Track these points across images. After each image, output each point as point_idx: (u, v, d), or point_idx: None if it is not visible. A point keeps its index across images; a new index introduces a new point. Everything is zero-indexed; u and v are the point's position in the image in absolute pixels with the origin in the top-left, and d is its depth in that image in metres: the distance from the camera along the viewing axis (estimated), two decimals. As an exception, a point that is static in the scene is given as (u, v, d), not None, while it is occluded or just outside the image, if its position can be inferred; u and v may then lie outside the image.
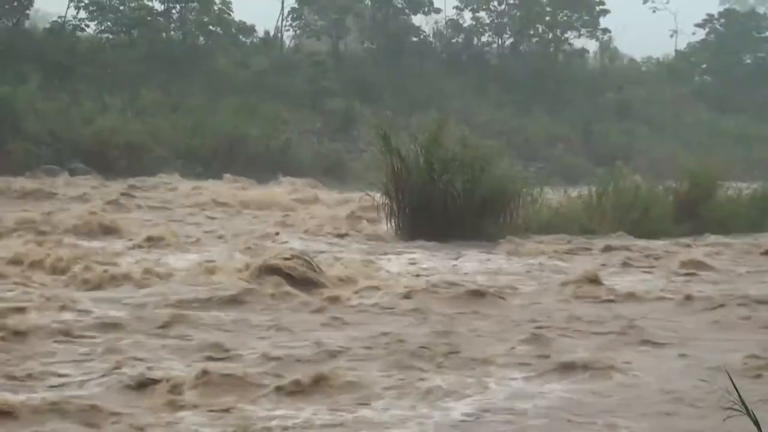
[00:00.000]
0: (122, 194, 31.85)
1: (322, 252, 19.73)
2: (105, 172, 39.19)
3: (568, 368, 10.52)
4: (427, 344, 11.77)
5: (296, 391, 9.60)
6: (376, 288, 16.10)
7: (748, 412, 3.39)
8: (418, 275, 17.57)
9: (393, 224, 24.18)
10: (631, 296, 15.35)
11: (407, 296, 15.27)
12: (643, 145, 56.47)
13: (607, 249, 21.95)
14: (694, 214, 25.91)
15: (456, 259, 19.97)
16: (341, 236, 23.98)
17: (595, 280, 16.25)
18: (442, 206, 23.48)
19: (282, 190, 35.90)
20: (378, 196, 25.55)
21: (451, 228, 22.91)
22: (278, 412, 8.93)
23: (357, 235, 24.22)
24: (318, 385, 9.73)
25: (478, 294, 15.46)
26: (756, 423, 3.35)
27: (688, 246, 22.63)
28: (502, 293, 15.71)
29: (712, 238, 24.18)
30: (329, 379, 9.86)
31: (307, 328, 12.92)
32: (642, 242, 22.98)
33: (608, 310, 14.27)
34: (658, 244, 22.71)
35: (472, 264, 19.38)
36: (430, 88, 59.68)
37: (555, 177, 36.59)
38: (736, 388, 3.63)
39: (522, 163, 32.29)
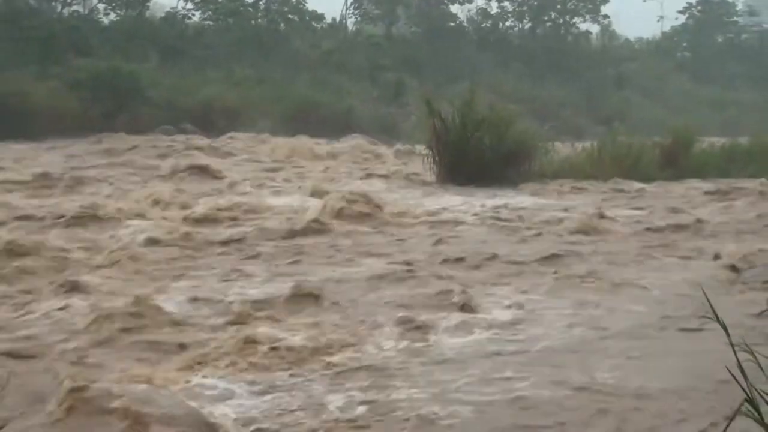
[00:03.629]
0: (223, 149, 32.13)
1: (379, 193, 19.82)
2: (208, 130, 39.37)
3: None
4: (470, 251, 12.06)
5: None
6: (421, 218, 16.33)
7: (718, 319, 3.25)
8: (457, 210, 17.77)
9: (434, 172, 24.22)
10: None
11: (454, 224, 15.49)
12: (636, 109, 55.92)
13: (604, 189, 22.22)
14: (676, 163, 25.88)
15: (487, 198, 20.05)
16: (394, 181, 24.09)
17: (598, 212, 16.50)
18: (474, 158, 23.51)
19: (346, 145, 35.91)
20: (423, 150, 25.70)
21: (481, 175, 22.93)
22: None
23: (406, 180, 24.29)
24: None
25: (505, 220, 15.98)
26: (724, 327, 3.20)
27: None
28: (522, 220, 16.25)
29: (691, 181, 24.15)
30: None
31: (381, 247, 13.08)
32: (634, 184, 23.08)
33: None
34: (646, 186, 22.88)
35: (499, 201, 19.49)
36: (464, 64, 59.34)
37: (564, 134, 36.28)
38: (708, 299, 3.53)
39: (538, 123, 31.86)
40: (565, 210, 17.71)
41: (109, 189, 19.83)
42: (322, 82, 51.92)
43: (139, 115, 41.52)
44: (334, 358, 7.26)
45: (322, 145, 34.75)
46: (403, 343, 7.78)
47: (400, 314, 8.60)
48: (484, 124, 24.16)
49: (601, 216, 16.18)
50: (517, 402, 6.31)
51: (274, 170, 26.34)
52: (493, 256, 12.13)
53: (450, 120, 24.31)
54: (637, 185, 22.87)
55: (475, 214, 17.08)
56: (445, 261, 11.90)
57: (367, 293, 9.86)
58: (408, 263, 11.56)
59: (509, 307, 9.20)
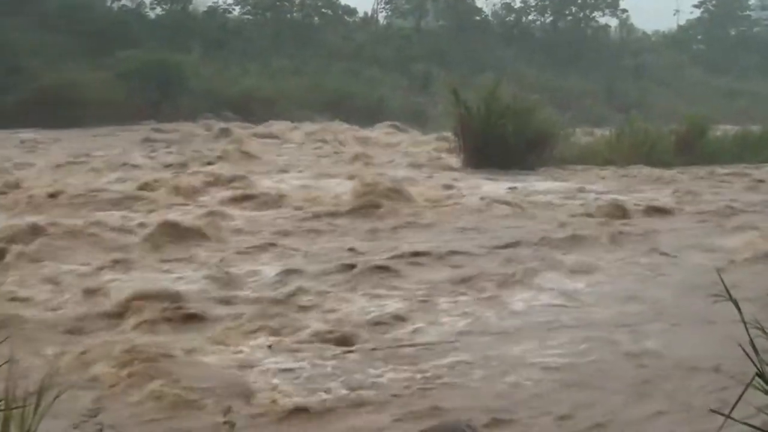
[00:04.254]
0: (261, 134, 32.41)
1: (409, 177, 19.99)
2: (247, 118, 39.67)
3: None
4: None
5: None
6: (449, 201, 16.50)
7: (730, 296, 3.19)
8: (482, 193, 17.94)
9: (460, 158, 24.40)
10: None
11: (479, 207, 15.67)
12: (653, 99, 55.68)
13: (623, 174, 22.28)
14: (691, 149, 25.89)
15: (511, 182, 20.20)
16: (421, 166, 24.26)
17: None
18: (498, 144, 23.66)
19: (378, 132, 36.14)
20: (449, 136, 25.91)
21: (505, 161, 23.07)
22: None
23: (434, 165, 24.47)
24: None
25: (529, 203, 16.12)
26: (737, 306, 3.15)
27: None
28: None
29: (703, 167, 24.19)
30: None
31: (408, 232, 13.31)
32: (649, 170, 23.13)
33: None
34: (664, 171, 22.92)
35: (523, 185, 19.65)
36: (488, 56, 59.34)
37: (584, 122, 36.42)
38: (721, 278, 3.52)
39: (559, 112, 31.96)
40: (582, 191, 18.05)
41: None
42: (354, 73, 52.15)
43: (183, 104, 41.94)
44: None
45: (352, 132, 35.06)
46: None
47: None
48: (508, 112, 24.32)
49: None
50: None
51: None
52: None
53: (475, 109, 24.50)
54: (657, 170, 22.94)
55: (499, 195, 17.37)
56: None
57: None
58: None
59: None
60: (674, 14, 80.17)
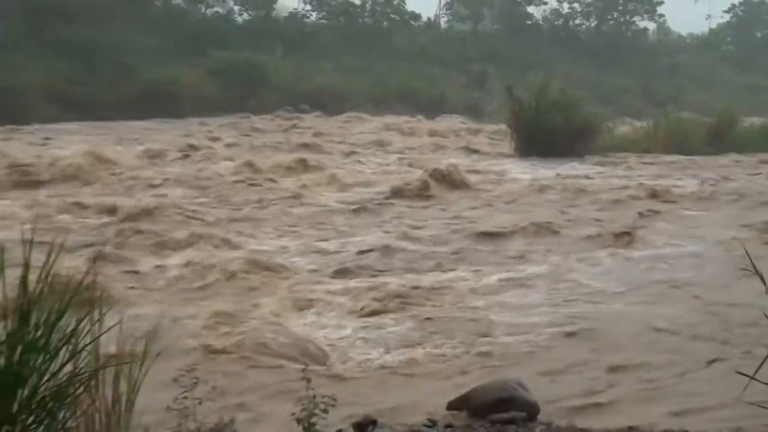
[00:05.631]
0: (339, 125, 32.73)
1: (467, 164, 20.20)
2: (322, 110, 39.98)
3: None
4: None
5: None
6: (504, 183, 16.72)
7: (756, 270, 3.14)
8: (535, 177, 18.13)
9: (513, 146, 24.51)
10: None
11: (532, 189, 15.88)
12: (686, 94, 55.00)
13: (658, 161, 22.26)
14: (721, 139, 25.69)
15: (558, 167, 20.30)
16: (480, 153, 24.44)
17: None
18: (547, 134, 23.73)
19: (439, 123, 36.26)
20: (503, 128, 26.02)
21: (553, 149, 23.17)
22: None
23: (490, 152, 24.62)
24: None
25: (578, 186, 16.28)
26: (762, 279, 3.10)
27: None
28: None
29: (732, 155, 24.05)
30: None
31: (472, 211, 13.55)
32: (683, 157, 23.09)
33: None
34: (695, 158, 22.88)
35: (569, 170, 19.76)
36: (538, 56, 58.86)
37: (623, 115, 36.21)
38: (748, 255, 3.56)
39: (601, 106, 31.96)
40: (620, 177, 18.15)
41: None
42: (418, 71, 52.05)
43: (265, 98, 42.36)
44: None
45: (419, 123, 35.24)
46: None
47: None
48: (555, 106, 24.42)
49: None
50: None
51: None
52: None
53: (527, 103, 24.60)
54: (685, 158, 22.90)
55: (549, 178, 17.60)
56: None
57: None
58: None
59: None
60: (706, 19, 79.34)
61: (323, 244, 10.51)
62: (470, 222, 12.22)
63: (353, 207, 13.33)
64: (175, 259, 9.15)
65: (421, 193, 14.74)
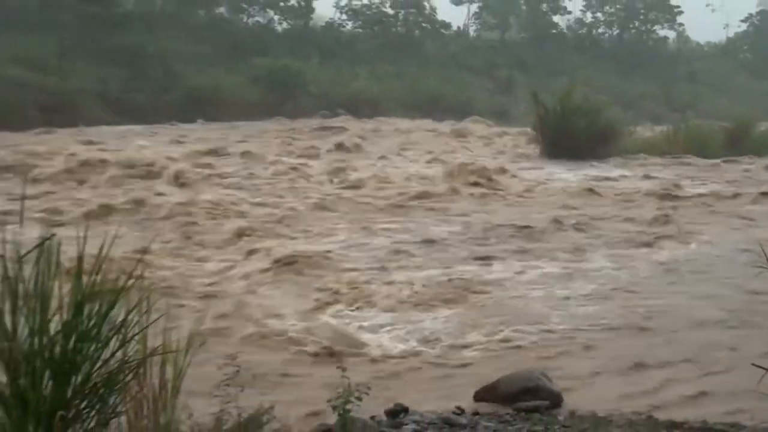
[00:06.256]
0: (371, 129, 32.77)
1: (499, 163, 20.14)
2: (356, 114, 39.97)
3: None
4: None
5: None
6: (530, 185, 16.65)
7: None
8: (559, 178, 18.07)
9: (538, 149, 24.42)
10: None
11: (561, 189, 15.85)
12: (704, 100, 54.31)
13: (678, 163, 22.13)
14: (738, 143, 25.43)
15: (582, 168, 20.22)
16: (506, 154, 24.37)
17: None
18: (571, 138, 23.62)
19: (468, 126, 36.15)
20: (529, 131, 25.92)
21: (576, 152, 23.07)
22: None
23: (516, 154, 24.54)
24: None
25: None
26: None
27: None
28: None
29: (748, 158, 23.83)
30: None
31: (499, 209, 13.54)
32: (701, 160, 22.92)
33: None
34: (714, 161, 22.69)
35: (593, 171, 19.67)
36: (563, 63, 58.58)
37: (644, 120, 35.93)
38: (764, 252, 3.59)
39: (623, 110, 31.73)
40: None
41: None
42: (448, 77, 51.95)
43: (302, 103, 42.50)
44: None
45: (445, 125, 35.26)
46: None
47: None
48: (579, 111, 24.29)
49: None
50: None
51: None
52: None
53: (551, 108, 24.50)
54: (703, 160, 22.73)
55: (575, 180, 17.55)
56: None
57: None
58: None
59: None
60: (724, 28, 78.20)
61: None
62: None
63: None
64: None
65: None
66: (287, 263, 8.91)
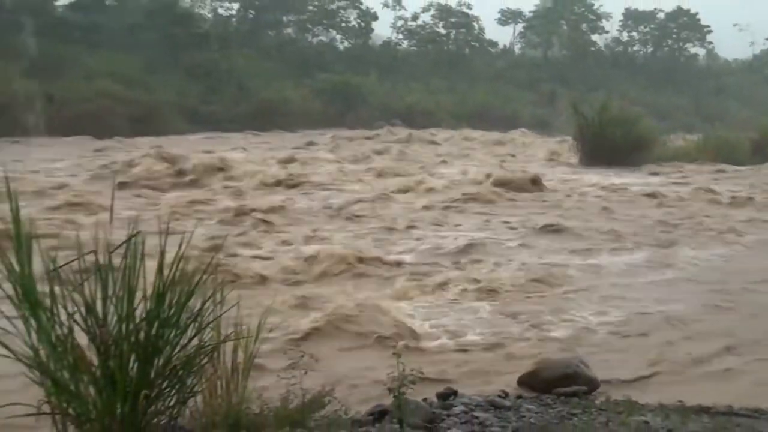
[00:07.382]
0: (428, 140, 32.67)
1: (542, 170, 19.99)
2: (411, 125, 39.95)
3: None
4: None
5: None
6: (574, 189, 16.49)
7: None
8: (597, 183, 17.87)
9: (579, 157, 24.20)
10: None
11: (596, 194, 15.67)
12: (732, 112, 53.20)
13: (710, 170, 21.78)
14: (763, 151, 24.97)
15: (617, 175, 20.00)
16: (548, 161, 24.22)
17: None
18: (608, 147, 23.38)
19: (513, 136, 35.96)
20: (569, 140, 25.69)
21: (613, 159, 22.82)
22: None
23: (557, 162, 24.36)
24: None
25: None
26: None
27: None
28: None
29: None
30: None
31: (536, 213, 13.41)
32: (730, 167, 22.54)
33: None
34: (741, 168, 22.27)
35: (627, 178, 19.40)
36: (601, 78, 57.93)
37: (676, 130, 35.33)
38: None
39: (656, 121, 31.25)
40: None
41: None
42: (494, 91, 51.73)
43: (362, 114, 42.68)
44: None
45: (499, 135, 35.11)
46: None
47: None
48: (616, 121, 24.00)
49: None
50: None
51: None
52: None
53: (590, 119, 24.26)
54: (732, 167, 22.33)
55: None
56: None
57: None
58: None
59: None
60: (750, 45, 76.51)
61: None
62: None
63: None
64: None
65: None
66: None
